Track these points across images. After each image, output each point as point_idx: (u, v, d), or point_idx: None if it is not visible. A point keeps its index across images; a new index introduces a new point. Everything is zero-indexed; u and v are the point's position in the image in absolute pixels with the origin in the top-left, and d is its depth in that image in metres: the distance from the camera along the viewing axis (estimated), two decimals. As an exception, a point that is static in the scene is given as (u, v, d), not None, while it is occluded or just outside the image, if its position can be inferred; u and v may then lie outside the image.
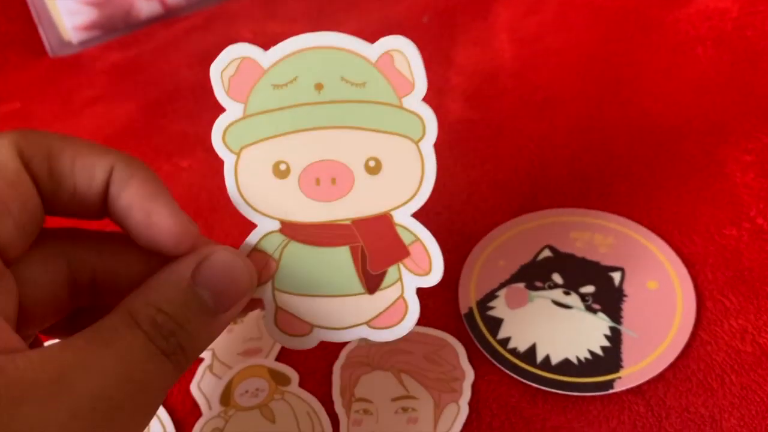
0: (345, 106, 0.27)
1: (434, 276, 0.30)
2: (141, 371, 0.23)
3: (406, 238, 0.29)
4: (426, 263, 0.29)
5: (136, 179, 0.25)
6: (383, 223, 0.29)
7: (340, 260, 0.29)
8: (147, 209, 0.25)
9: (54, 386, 0.20)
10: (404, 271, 0.30)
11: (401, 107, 0.27)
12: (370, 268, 0.29)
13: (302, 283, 0.29)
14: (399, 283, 0.30)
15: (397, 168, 0.28)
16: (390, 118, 0.27)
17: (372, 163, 0.28)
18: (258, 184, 0.28)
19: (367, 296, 0.29)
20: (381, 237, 0.29)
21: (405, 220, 0.29)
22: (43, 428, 0.19)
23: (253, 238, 0.29)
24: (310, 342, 0.30)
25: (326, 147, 0.28)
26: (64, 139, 0.25)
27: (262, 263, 0.29)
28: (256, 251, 0.29)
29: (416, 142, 0.28)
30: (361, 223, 0.29)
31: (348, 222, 0.29)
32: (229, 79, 0.28)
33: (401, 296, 0.30)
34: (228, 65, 0.27)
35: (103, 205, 0.26)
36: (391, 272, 0.29)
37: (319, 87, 0.27)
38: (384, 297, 0.30)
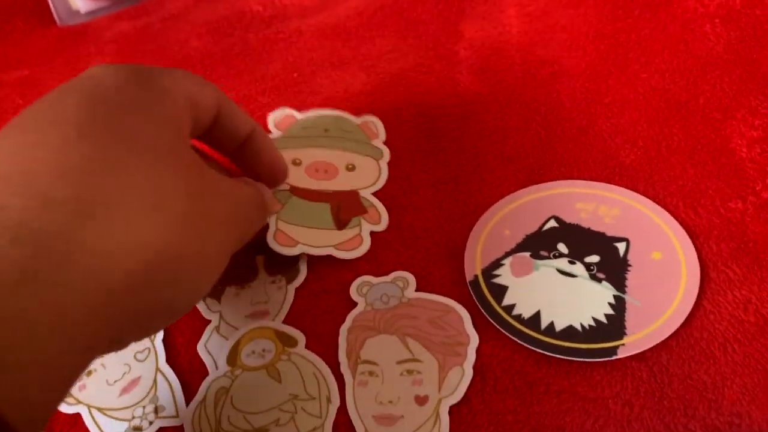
0: (339, 140, 0.49)
1: (382, 225, 0.45)
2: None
3: (366, 204, 0.46)
4: (377, 218, 0.45)
5: (267, 140, 0.41)
6: (353, 194, 0.47)
7: (322, 209, 0.45)
8: (273, 157, 0.42)
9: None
10: (363, 221, 0.45)
11: (370, 143, 0.49)
12: (343, 216, 0.45)
13: (297, 217, 0.44)
14: (359, 227, 0.45)
15: (364, 170, 0.48)
16: (363, 148, 0.49)
17: (350, 166, 0.48)
18: None
19: (336, 231, 0.44)
20: (350, 201, 0.46)
21: (366, 194, 0.47)
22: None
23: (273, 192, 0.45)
24: (294, 251, 0.43)
25: (325, 155, 0.48)
26: (228, 99, 0.37)
27: (275, 203, 0.45)
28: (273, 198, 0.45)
29: (377, 160, 0.49)
30: (339, 193, 0.46)
31: (331, 191, 0.46)
32: (276, 122, 0.51)
33: (359, 234, 0.44)
34: (278, 115, 0.52)
35: (236, 149, 0.40)
36: (354, 220, 0.45)
37: (326, 130, 0.50)
38: (348, 232, 0.44)
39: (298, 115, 0.51)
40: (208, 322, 0.42)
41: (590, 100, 0.50)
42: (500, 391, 0.36)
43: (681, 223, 0.41)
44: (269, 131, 0.50)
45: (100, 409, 0.39)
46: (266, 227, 0.43)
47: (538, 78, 0.52)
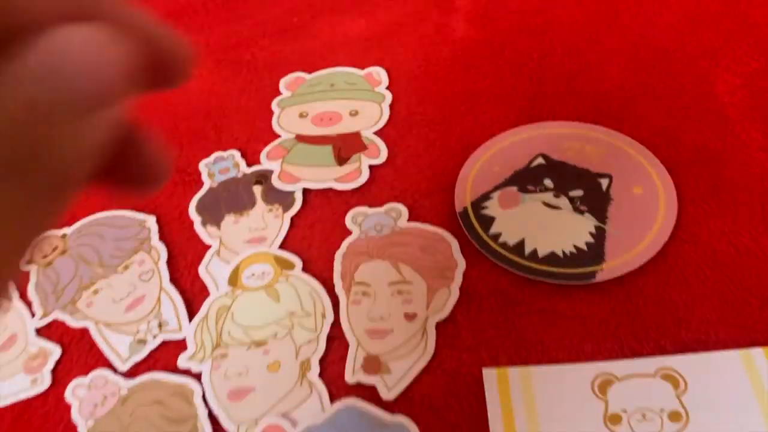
0: (344, 92, 0.52)
1: (381, 159, 0.47)
2: None
3: (366, 141, 0.48)
4: (377, 152, 0.47)
5: None
6: (354, 135, 0.49)
7: (325, 150, 0.48)
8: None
9: None
10: (362, 156, 0.47)
11: (373, 90, 0.52)
12: (344, 154, 0.47)
13: (300, 159, 0.47)
14: (358, 161, 0.47)
15: (367, 113, 0.50)
16: (366, 95, 0.51)
17: (353, 112, 0.50)
18: (289, 120, 0.51)
19: (337, 166, 0.47)
20: (351, 141, 0.48)
21: (368, 133, 0.48)
22: None
23: (279, 141, 0.49)
24: (296, 187, 0.46)
25: (330, 106, 0.51)
26: None
27: (280, 152, 0.48)
28: (280, 146, 0.49)
29: (379, 103, 0.50)
30: (342, 135, 0.49)
31: (334, 135, 0.49)
32: (286, 84, 0.54)
33: (359, 167, 0.46)
34: (288, 79, 0.54)
35: None
36: (355, 156, 0.47)
37: (332, 85, 0.53)
38: (347, 167, 0.46)
39: (307, 76, 0.54)
40: (209, 246, 0.44)
41: (581, 48, 0.51)
42: (484, 309, 0.38)
43: (662, 162, 0.43)
44: (280, 93, 0.53)
45: (107, 324, 0.41)
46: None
47: (532, 26, 0.54)
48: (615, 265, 0.39)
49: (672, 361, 0.35)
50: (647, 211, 0.41)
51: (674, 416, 0.33)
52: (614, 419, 0.33)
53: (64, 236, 0.46)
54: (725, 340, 0.35)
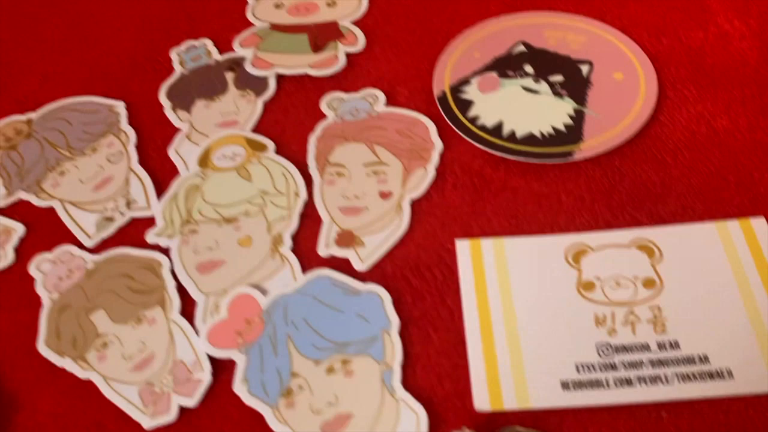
0: None
1: (358, 47, 0.45)
2: None
3: (344, 30, 0.47)
4: (354, 40, 0.46)
5: None
6: (331, 24, 0.47)
7: (300, 39, 0.46)
8: None
9: None
10: (339, 44, 0.46)
11: None
12: (320, 42, 0.46)
13: (275, 46, 0.46)
14: (335, 49, 0.45)
15: (345, 4, 0.48)
16: None
17: (330, 2, 0.48)
18: (264, 10, 0.49)
19: (312, 54, 0.45)
20: (328, 29, 0.47)
21: (346, 23, 0.47)
22: None
23: (253, 29, 0.48)
24: (269, 73, 0.44)
25: None
26: None
27: (254, 40, 0.47)
28: (254, 34, 0.47)
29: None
30: (319, 24, 0.47)
31: (310, 24, 0.47)
32: None
33: (335, 54, 0.45)
34: None
35: None
36: (331, 45, 0.46)
37: None
38: (323, 54, 0.45)
39: None
40: (179, 130, 0.43)
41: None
42: (459, 187, 0.38)
43: (644, 50, 0.43)
44: None
45: (73, 203, 0.40)
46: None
47: None
48: (593, 144, 0.38)
49: (648, 232, 0.35)
50: (627, 95, 0.40)
51: (648, 283, 0.33)
52: (588, 286, 0.33)
53: (29, 121, 0.44)
54: (701, 214, 0.35)
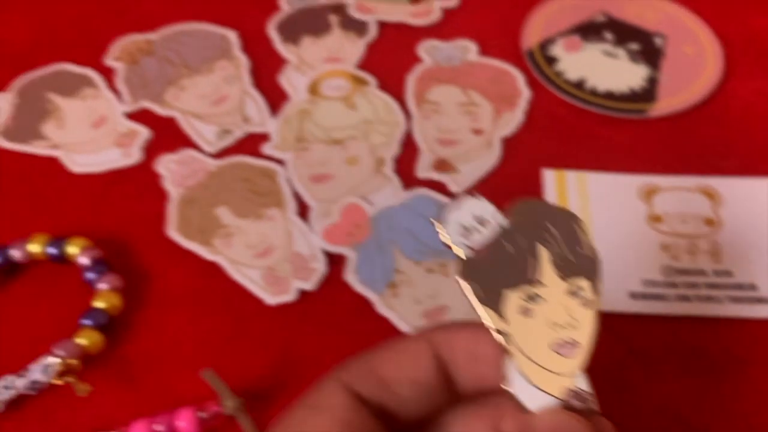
0: None
1: (452, 2, 0.50)
2: None
3: None
4: None
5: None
6: None
7: None
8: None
9: None
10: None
11: None
12: None
13: None
14: (431, 3, 0.48)
15: None
16: None
17: None
18: None
19: (409, 5, 0.51)
20: None
21: None
22: None
23: None
24: (372, 18, 0.50)
25: None
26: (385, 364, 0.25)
27: None
28: None
29: None
30: None
31: None
32: None
33: (431, 7, 0.51)
34: None
35: None
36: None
37: None
38: (420, 6, 0.51)
39: None
40: (288, 60, 0.49)
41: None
42: (545, 130, 0.45)
43: (713, 30, 0.50)
44: None
45: (194, 115, 0.47)
46: None
47: None
48: (664, 105, 0.45)
49: (711, 181, 0.42)
50: (695, 67, 0.48)
51: (709, 222, 0.40)
52: (656, 219, 0.40)
53: (148, 41, 0.51)
54: (760, 171, 0.42)
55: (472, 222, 0.25)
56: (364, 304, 0.38)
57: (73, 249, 0.39)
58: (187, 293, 0.39)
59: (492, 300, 0.24)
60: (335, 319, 0.38)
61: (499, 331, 0.23)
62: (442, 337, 0.25)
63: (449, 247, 0.25)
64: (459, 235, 0.25)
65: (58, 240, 0.39)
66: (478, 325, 0.24)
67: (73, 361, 0.35)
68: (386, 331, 0.37)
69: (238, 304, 0.39)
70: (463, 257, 0.24)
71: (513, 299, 0.23)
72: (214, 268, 0.40)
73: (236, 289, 0.39)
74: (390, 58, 0.49)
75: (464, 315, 0.37)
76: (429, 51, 0.49)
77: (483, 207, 0.25)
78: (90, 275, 0.39)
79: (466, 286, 0.24)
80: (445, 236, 0.25)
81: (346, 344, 0.37)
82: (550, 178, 0.42)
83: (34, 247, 0.39)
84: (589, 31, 0.50)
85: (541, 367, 0.23)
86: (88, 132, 0.46)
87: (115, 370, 0.37)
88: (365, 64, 0.49)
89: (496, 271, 0.24)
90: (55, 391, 0.35)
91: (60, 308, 0.38)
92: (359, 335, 0.37)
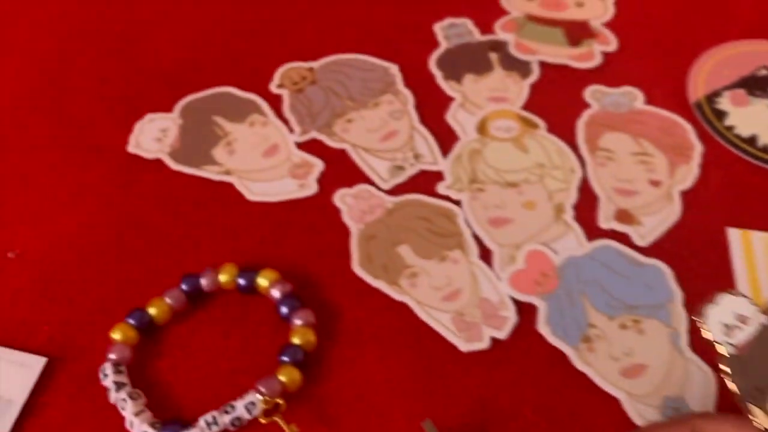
0: None
1: (612, 46, 0.51)
2: None
3: (595, 30, 0.52)
4: (607, 41, 0.52)
5: None
6: (582, 23, 0.54)
7: (555, 32, 0.53)
8: None
9: None
10: (594, 42, 0.52)
11: None
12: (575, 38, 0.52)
13: (533, 35, 0.53)
14: (591, 46, 0.51)
15: (592, 6, 0.55)
16: None
17: (579, 2, 0.55)
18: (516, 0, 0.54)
19: (569, 47, 0.52)
20: (580, 27, 0.53)
21: (596, 24, 0.53)
22: None
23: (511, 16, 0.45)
24: (534, 59, 0.51)
25: None
26: None
27: (513, 26, 0.49)
28: (512, 20, 0.50)
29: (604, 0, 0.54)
30: (569, 21, 0.54)
31: (561, 19, 0.54)
32: None
33: (591, 51, 0.51)
34: None
35: None
36: (586, 42, 0.52)
37: None
38: (580, 48, 0.51)
39: None
40: (452, 98, 0.49)
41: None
42: (723, 186, 0.45)
43: None
44: None
45: (364, 149, 0.47)
46: None
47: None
48: (842, 167, 0.45)
49: None
50: None
51: None
52: None
53: (311, 69, 0.51)
54: None
55: (733, 320, 0.26)
56: (559, 357, 0.38)
57: (263, 281, 0.39)
58: (376, 331, 0.39)
59: (757, 397, 0.24)
60: (530, 370, 0.38)
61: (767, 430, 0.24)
62: (706, 426, 0.26)
63: (712, 345, 0.25)
64: (721, 332, 0.25)
65: (248, 271, 0.40)
66: (742, 419, 0.25)
67: (279, 401, 0.35)
68: (584, 387, 0.37)
69: (430, 346, 0.39)
70: (727, 355, 0.25)
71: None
72: (401, 306, 0.40)
73: (426, 331, 0.39)
74: (555, 100, 0.49)
75: (662, 376, 0.37)
76: (596, 96, 0.49)
77: (742, 304, 0.26)
78: (284, 310, 0.39)
79: (731, 384, 0.24)
80: (707, 334, 0.25)
81: (545, 397, 0.37)
82: (735, 237, 0.42)
83: (224, 277, 0.40)
84: (754, 86, 0.50)
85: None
86: (260, 160, 0.46)
87: (314, 408, 0.36)
88: (530, 105, 0.49)
89: (762, 369, 0.24)
90: (255, 428, 0.35)
91: (252, 340, 0.39)
92: (556, 389, 0.37)
